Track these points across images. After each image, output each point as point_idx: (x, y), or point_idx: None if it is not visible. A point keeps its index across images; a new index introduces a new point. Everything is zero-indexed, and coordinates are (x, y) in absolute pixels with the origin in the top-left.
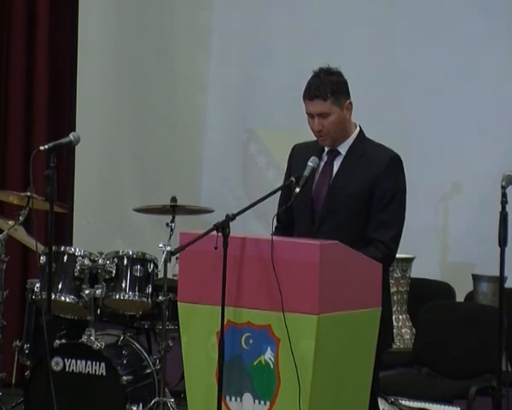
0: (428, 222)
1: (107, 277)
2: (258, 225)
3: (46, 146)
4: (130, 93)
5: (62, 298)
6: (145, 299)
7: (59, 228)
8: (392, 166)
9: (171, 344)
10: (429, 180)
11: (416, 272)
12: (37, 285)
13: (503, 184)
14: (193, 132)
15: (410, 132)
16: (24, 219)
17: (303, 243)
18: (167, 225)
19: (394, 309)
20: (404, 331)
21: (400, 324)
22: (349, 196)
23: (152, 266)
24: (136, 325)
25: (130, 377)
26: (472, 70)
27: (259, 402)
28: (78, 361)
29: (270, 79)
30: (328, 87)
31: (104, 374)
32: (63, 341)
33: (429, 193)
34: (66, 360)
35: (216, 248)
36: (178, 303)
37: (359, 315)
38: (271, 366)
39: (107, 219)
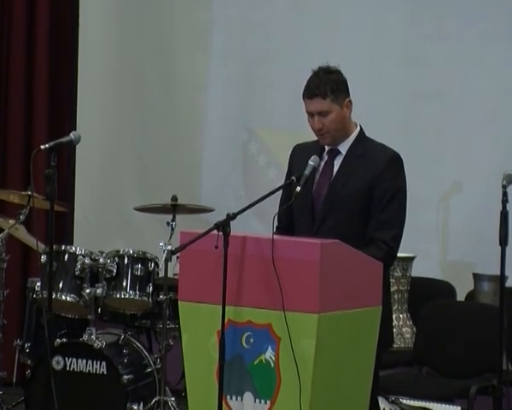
0: (429, 221)
1: (107, 276)
2: (259, 225)
3: (47, 145)
4: (131, 93)
5: (63, 297)
6: (146, 298)
7: (59, 227)
8: (392, 165)
9: (171, 343)
10: (430, 179)
11: (417, 271)
12: (38, 284)
13: (504, 183)
14: (193, 132)
15: (410, 131)
16: (24, 219)
17: (304, 241)
18: (168, 224)
19: (395, 308)
20: (404, 330)
21: (401, 323)
22: (349, 195)
23: (153, 265)
24: (136, 324)
25: (130, 376)
26: (472, 69)
27: (260, 401)
28: (79, 360)
29: (270, 79)
30: (327, 85)
31: (105, 373)
32: (64, 340)
33: (430, 192)
34: (66, 359)
35: (216, 248)
36: (179, 302)
37: (360, 314)
38: (272, 365)
39: (108, 218)
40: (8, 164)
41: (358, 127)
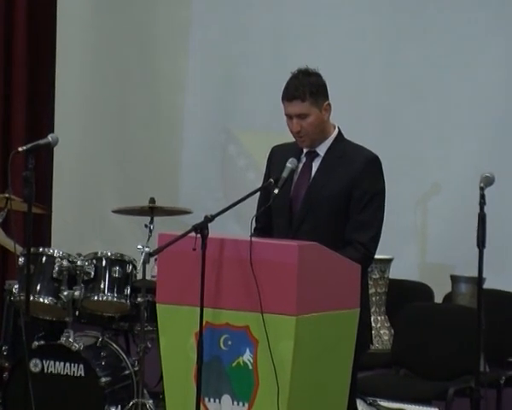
0: (407, 223)
1: (85, 278)
2: (237, 227)
3: (24, 147)
4: (110, 94)
5: (41, 299)
6: (123, 300)
7: (37, 229)
8: (370, 166)
9: (149, 345)
10: (408, 181)
11: (395, 273)
12: (16, 286)
13: (481, 185)
14: (172, 133)
15: (389, 133)
16: (2, 221)
17: (281, 244)
18: (146, 226)
19: (373, 310)
20: (382, 332)
21: (379, 325)
22: (328, 196)
23: (130, 267)
24: (114, 327)
25: (108, 378)
26: (452, 72)
27: (238, 403)
28: (57, 363)
29: (249, 80)
30: (306, 88)
31: (83, 375)
32: (41, 342)
33: (408, 194)
34: (44, 361)
35: (194, 250)
36: (157, 304)
37: (338, 316)
38: (250, 367)
39: (86, 221)
40: None
41: (337, 129)
